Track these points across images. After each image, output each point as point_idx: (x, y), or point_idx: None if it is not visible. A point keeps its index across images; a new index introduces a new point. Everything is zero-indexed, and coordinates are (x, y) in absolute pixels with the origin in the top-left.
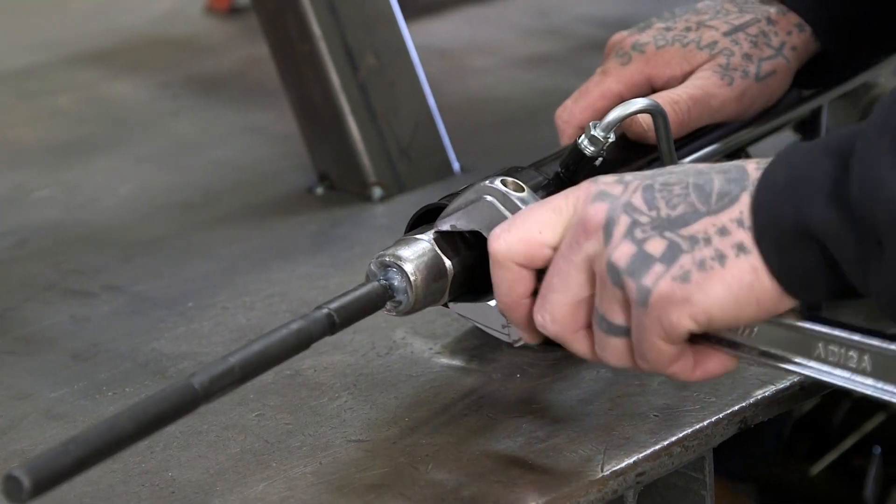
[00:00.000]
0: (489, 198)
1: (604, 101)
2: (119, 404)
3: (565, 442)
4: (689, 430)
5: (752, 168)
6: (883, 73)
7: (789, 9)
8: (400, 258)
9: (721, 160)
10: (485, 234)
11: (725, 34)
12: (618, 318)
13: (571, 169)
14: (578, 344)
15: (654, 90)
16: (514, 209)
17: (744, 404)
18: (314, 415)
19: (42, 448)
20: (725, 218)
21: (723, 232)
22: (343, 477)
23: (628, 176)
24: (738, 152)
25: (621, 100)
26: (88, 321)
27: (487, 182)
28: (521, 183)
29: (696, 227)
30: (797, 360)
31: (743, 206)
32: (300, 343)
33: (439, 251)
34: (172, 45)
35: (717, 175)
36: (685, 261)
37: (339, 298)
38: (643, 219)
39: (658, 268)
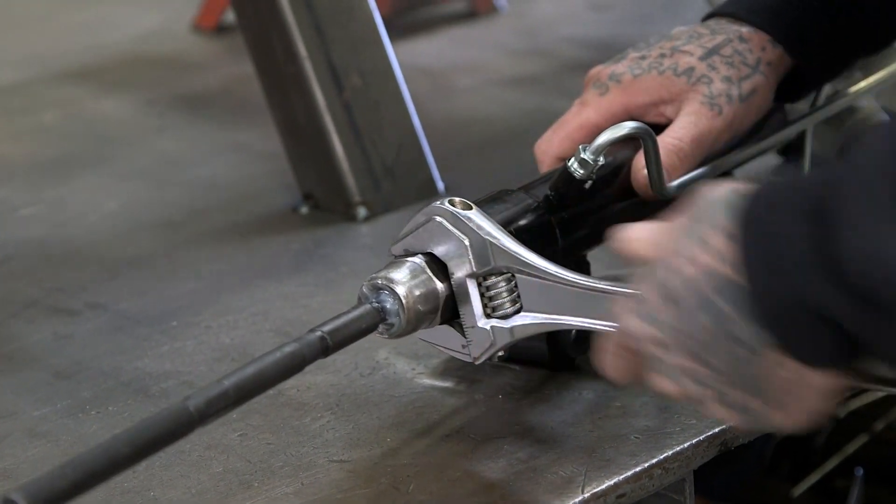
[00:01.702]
0: (438, 218)
1: (582, 132)
2: (102, 423)
3: (547, 463)
4: (670, 453)
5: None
6: (865, 98)
7: (758, 28)
8: (392, 280)
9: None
10: (437, 254)
11: (701, 59)
12: None
13: (561, 192)
14: None
15: (632, 119)
16: (463, 228)
17: (724, 426)
18: (297, 434)
19: (25, 466)
20: (771, 358)
21: (779, 365)
22: (325, 497)
23: (658, 314)
24: (724, 175)
25: (599, 131)
26: (72, 339)
27: (437, 203)
28: (468, 202)
29: (754, 372)
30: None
31: None
32: (293, 366)
33: (431, 273)
34: (159, 63)
35: (738, 315)
36: (770, 394)
37: (332, 321)
38: (708, 377)
39: (754, 402)
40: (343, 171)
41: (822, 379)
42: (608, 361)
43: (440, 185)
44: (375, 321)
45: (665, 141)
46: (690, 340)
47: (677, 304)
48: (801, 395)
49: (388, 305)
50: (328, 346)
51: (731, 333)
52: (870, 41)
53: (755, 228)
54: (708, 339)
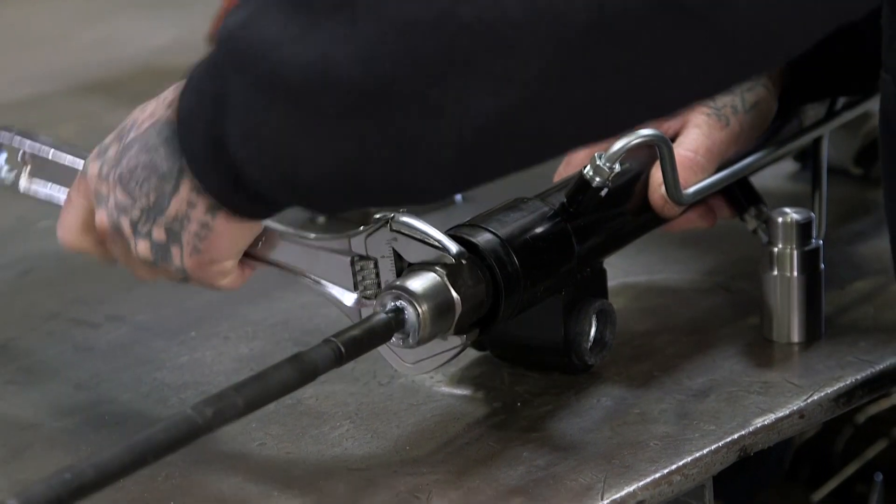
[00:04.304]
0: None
1: None
2: (122, 434)
3: (565, 470)
4: (689, 459)
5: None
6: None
7: None
8: (408, 290)
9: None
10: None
11: None
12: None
13: (577, 200)
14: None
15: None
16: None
17: (743, 432)
18: (316, 443)
19: None
20: (185, 192)
21: (192, 205)
22: None
23: (109, 150)
24: (741, 182)
25: None
26: (91, 351)
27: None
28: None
29: (172, 210)
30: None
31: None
32: (306, 375)
33: (448, 283)
34: (175, 76)
35: (164, 146)
36: (186, 238)
37: (347, 331)
38: (136, 213)
39: (175, 250)
40: None
41: (229, 228)
42: (63, 217)
43: (457, 196)
44: (390, 330)
45: (679, 154)
46: (123, 171)
47: (121, 139)
48: (211, 243)
49: (403, 315)
50: (341, 356)
51: (155, 165)
52: (863, 69)
53: (191, 73)
54: (136, 169)
